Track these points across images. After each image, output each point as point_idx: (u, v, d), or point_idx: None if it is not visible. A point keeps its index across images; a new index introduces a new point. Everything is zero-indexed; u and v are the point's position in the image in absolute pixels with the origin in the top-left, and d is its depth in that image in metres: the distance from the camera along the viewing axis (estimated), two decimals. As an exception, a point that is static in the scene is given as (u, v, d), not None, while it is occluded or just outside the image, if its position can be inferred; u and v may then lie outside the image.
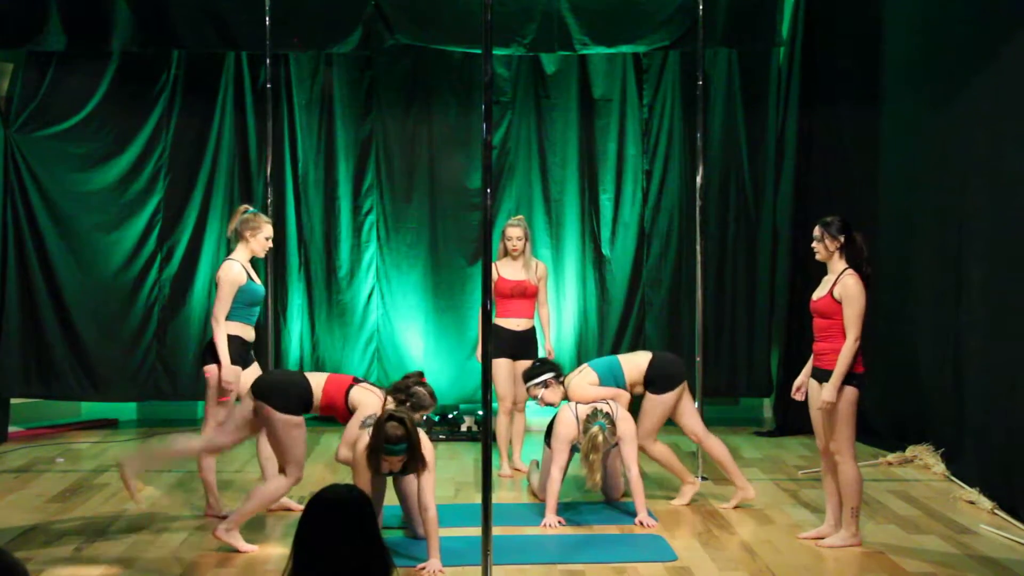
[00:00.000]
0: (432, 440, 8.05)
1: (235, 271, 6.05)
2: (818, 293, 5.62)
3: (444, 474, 6.32)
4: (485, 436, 4.57)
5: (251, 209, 6.29)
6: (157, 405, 8.84)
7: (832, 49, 8.36)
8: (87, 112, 8.45)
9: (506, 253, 7.06)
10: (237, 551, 5.43)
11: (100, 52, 8.34)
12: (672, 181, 8.78)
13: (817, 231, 5.62)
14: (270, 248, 6.32)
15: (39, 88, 8.39)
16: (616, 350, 8.77)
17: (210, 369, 6.01)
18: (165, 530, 5.83)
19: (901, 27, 7.88)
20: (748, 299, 8.75)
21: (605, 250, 8.79)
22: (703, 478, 6.96)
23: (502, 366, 6.93)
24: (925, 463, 7.18)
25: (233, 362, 5.98)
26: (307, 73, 8.70)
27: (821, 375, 5.54)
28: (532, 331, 7.07)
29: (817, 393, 5.57)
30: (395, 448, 5.18)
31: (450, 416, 8.49)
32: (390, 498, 5.84)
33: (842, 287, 5.45)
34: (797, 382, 5.80)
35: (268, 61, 7.39)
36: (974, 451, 6.68)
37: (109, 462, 7.44)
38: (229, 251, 6.35)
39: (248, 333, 6.14)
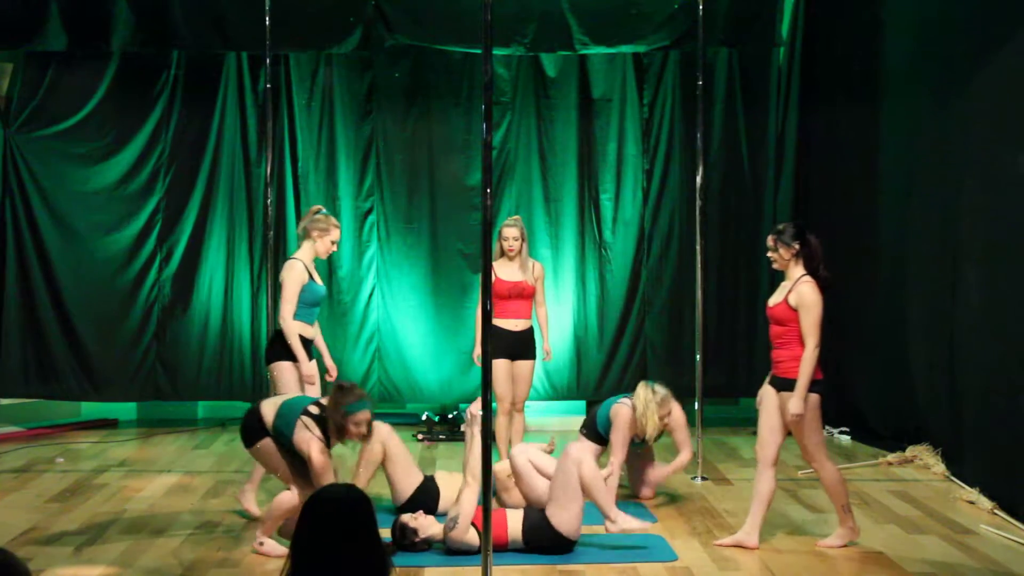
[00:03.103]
0: (432, 440, 8.10)
1: (298, 270, 6.06)
2: (774, 299, 5.56)
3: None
4: (485, 436, 4.57)
5: (323, 211, 6.30)
6: (157, 405, 8.85)
7: (832, 49, 8.36)
8: (87, 112, 8.46)
9: (503, 253, 7.03)
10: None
11: (100, 52, 8.35)
12: (672, 181, 8.78)
13: (771, 241, 5.54)
14: (334, 251, 6.35)
15: (39, 88, 8.40)
16: (616, 350, 8.79)
17: (279, 366, 6.00)
18: (165, 530, 5.83)
19: (901, 27, 7.88)
20: (748, 299, 8.75)
21: (605, 250, 8.79)
22: (703, 478, 6.97)
23: (500, 367, 6.92)
24: (925, 463, 7.18)
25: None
26: (307, 73, 8.71)
27: (779, 383, 5.47)
28: (530, 331, 7.07)
29: (773, 400, 5.51)
30: (358, 406, 5.24)
31: (450, 416, 8.49)
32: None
33: (797, 295, 5.38)
34: (760, 394, 5.68)
35: (268, 61, 7.39)
36: (974, 451, 6.68)
37: (109, 462, 7.45)
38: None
39: (308, 331, 6.16)
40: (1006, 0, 6.34)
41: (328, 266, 8.75)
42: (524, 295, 6.99)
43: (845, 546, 5.52)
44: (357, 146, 8.78)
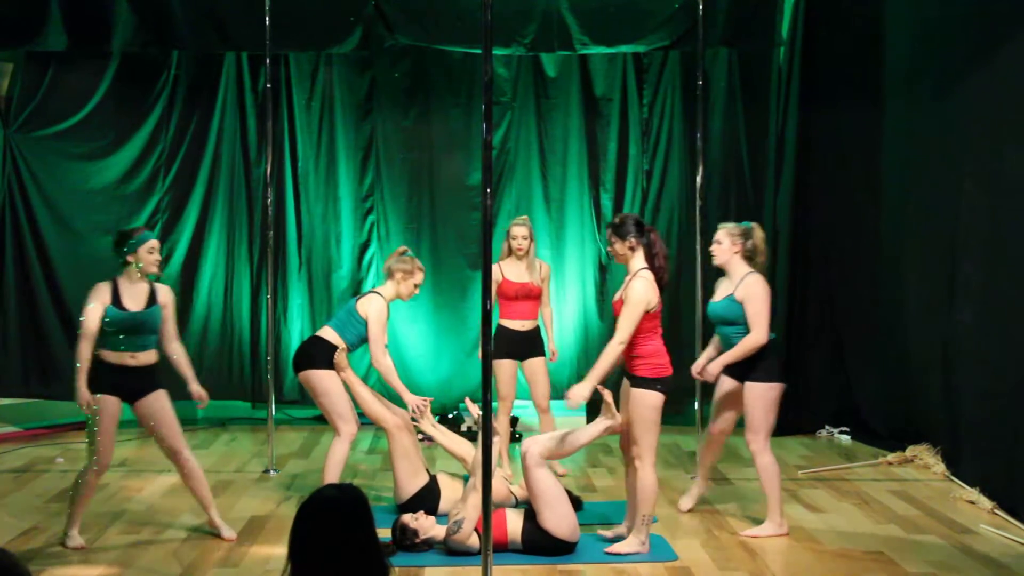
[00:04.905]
0: (432, 440, 8.09)
1: (384, 308, 6.12)
2: (618, 294, 5.58)
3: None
4: (486, 436, 4.57)
5: (409, 252, 6.33)
6: (157, 405, 8.83)
7: (832, 49, 8.36)
8: (87, 112, 8.47)
9: (510, 253, 7.00)
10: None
11: (100, 52, 8.35)
12: (672, 181, 8.78)
13: (608, 234, 5.54)
14: (416, 295, 6.35)
15: (39, 88, 8.41)
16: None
17: (319, 374, 6.03)
18: (165, 530, 5.83)
19: (901, 27, 7.88)
20: (748, 299, 8.74)
21: (605, 250, 8.79)
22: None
23: (506, 367, 6.89)
24: (925, 463, 7.18)
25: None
26: (307, 73, 8.71)
27: (629, 378, 5.46)
28: (537, 331, 7.05)
29: (627, 394, 5.49)
30: (141, 238, 5.55)
31: (450, 416, 8.48)
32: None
33: (627, 289, 5.38)
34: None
35: (268, 61, 7.39)
36: (974, 451, 6.68)
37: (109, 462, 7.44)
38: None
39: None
40: (1006, 0, 6.34)
41: (327, 266, 8.76)
42: (531, 296, 6.96)
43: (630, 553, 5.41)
44: (357, 146, 8.78)
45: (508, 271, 6.94)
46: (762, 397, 5.69)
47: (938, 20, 7.25)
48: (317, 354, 6.08)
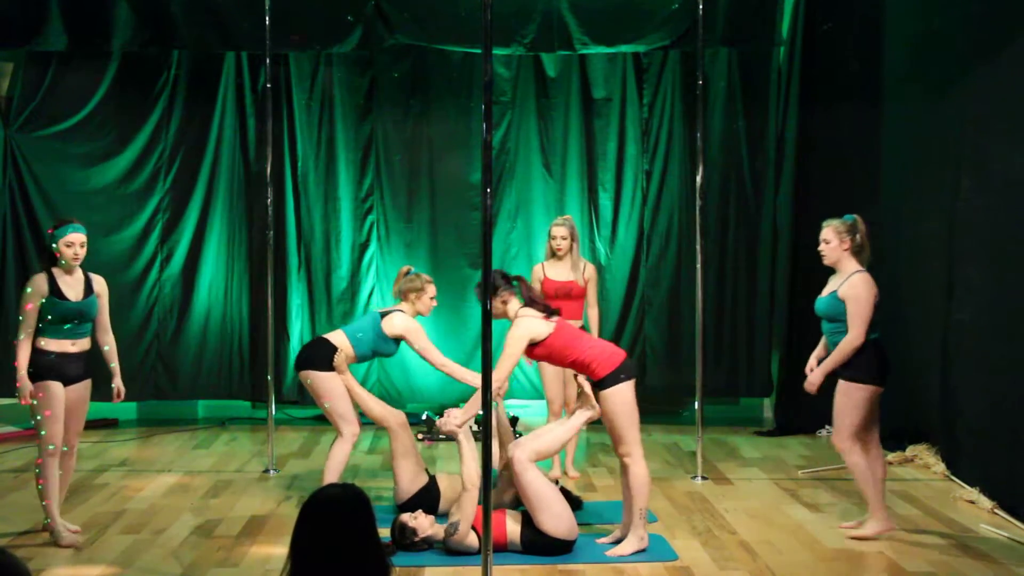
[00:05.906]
0: (432, 440, 8.10)
1: (416, 323, 6.22)
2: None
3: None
4: (486, 436, 4.57)
5: (413, 270, 6.37)
6: (157, 405, 8.85)
7: (832, 49, 8.36)
8: (87, 112, 8.48)
9: (552, 254, 6.90)
10: None
11: (100, 52, 8.36)
12: (672, 181, 8.78)
13: (478, 295, 5.55)
14: (435, 307, 6.40)
15: (39, 88, 8.42)
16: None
17: (322, 375, 6.04)
18: (165, 530, 5.83)
19: (901, 27, 7.88)
20: (748, 299, 8.75)
21: (605, 250, 8.79)
22: (703, 478, 6.96)
23: (550, 369, 6.84)
24: (925, 463, 7.18)
25: None
26: (307, 73, 8.72)
27: (594, 385, 5.50)
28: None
29: (599, 399, 5.51)
30: (66, 230, 5.62)
31: (450, 416, 8.48)
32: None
33: (509, 333, 5.50)
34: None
35: (268, 61, 7.39)
36: (974, 451, 6.68)
37: (109, 462, 7.45)
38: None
39: None
40: (1005, 1, 6.35)
41: (327, 266, 8.76)
42: (572, 295, 6.86)
43: (637, 553, 5.41)
44: (357, 146, 8.79)
45: (549, 270, 6.89)
46: (848, 395, 5.64)
47: (937, 20, 7.25)
48: (320, 355, 6.09)
